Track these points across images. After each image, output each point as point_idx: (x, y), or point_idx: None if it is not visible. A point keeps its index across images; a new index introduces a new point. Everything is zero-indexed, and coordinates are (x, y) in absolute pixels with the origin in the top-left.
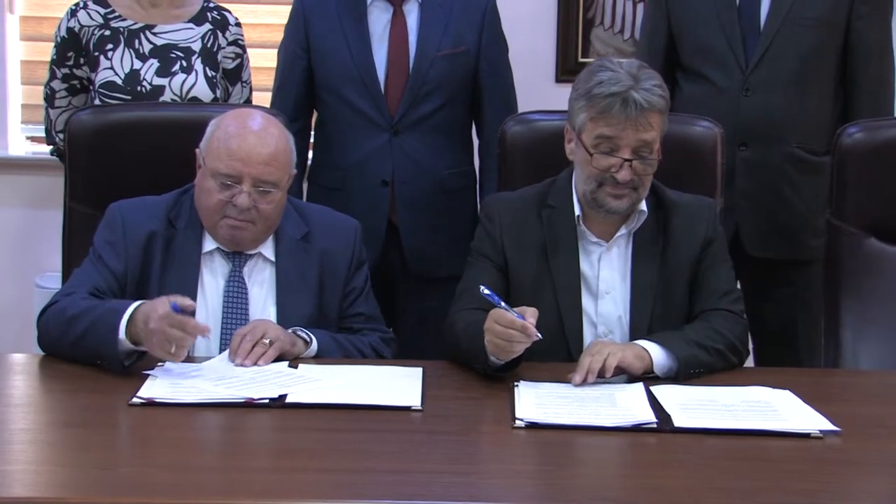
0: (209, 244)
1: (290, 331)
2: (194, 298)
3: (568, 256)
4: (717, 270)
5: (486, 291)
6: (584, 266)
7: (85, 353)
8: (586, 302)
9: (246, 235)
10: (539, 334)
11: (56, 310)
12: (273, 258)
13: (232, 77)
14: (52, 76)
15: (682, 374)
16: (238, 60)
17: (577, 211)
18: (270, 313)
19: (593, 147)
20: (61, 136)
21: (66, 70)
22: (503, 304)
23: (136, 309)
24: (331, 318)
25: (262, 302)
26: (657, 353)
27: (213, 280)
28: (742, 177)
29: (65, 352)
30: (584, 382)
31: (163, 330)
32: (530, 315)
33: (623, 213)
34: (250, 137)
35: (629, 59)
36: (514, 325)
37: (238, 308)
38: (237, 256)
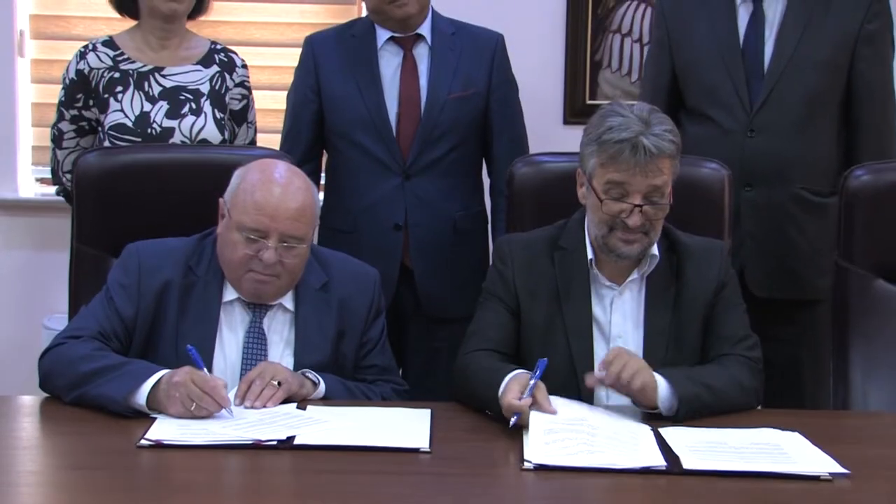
0: (230, 294)
1: (298, 373)
2: (212, 349)
3: (580, 300)
4: (731, 315)
5: (542, 364)
6: (597, 310)
7: (90, 406)
8: (598, 346)
9: (270, 290)
10: (513, 421)
11: (62, 356)
12: (292, 308)
13: (238, 118)
14: (61, 117)
15: (683, 414)
16: (244, 102)
17: (589, 255)
18: (287, 364)
19: (604, 193)
20: (68, 176)
21: (74, 112)
22: (534, 379)
23: (160, 378)
24: (346, 369)
25: (281, 353)
26: (663, 387)
27: (232, 331)
28: (747, 218)
29: (64, 399)
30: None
31: (186, 384)
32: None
33: (634, 258)
34: (278, 192)
35: (640, 104)
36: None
37: (257, 359)
38: (258, 307)
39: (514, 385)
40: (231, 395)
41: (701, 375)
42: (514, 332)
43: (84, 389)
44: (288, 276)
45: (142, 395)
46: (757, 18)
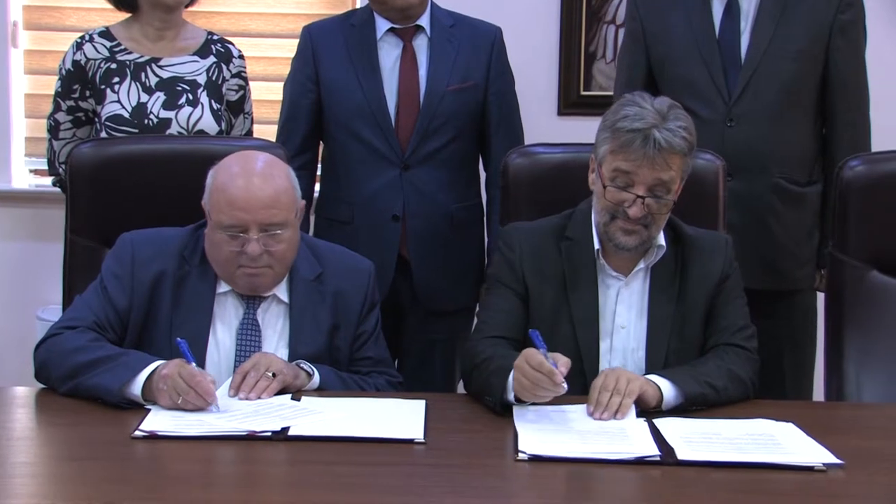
0: (223, 286)
1: (292, 364)
2: (206, 340)
3: (587, 290)
4: (732, 305)
5: (535, 333)
6: (602, 301)
7: (85, 396)
8: (602, 337)
9: (265, 281)
10: (566, 385)
11: (57, 346)
12: (287, 300)
13: (235, 109)
14: (57, 108)
15: (686, 410)
16: (241, 92)
17: (596, 245)
18: (282, 356)
19: (609, 180)
20: (65, 167)
21: (71, 102)
22: (544, 349)
23: (154, 369)
24: (341, 362)
25: (275, 344)
26: (668, 390)
27: (226, 322)
28: (728, 208)
29: (59, 390)
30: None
31: (173, 377)
32: (563, 365)
33: (632, 250)
34: (248, 183)
35: (662, 98)
36: (542, 368)
37: (251, 351)
38: (252, 299)
39: (533, 352)
40: (224, 387)
41: (704, 374)
42: (522, 319)
43: (79, 380)
44: (279, 264)
45: (137, 386)
46: (732, 9)
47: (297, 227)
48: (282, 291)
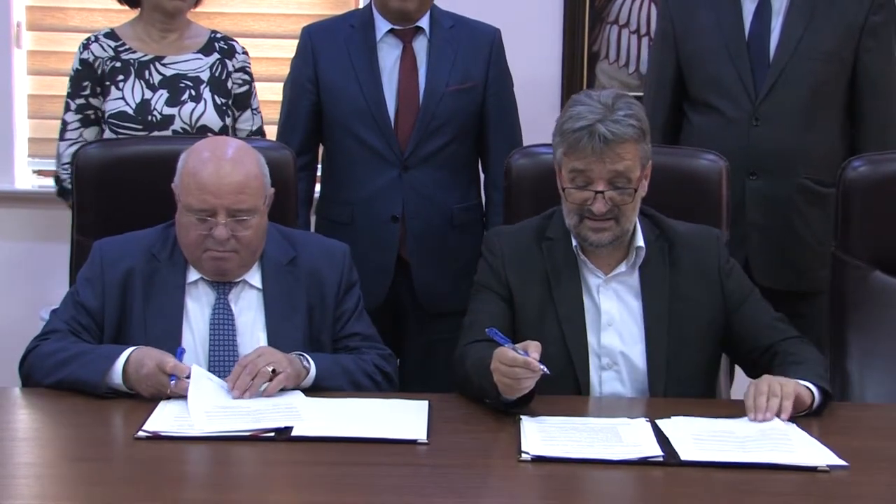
0: (193, 275)
1: (294, 356)
2: (179, 327)
3: (570, 287)
4: (756, 301)
5: (492, 331)
6: (587, 297)
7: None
8: (589, 334)
9: (230, 266)
10: (545, 368)
11: (37, 356)
12: (259, 285)
13: (241, 103)
14: (66, 109)
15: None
16: (246, 86)
17: (574, 242)
18: (260, 339)
19: (569, 181)
20: (66, 167)
21: (81, 100)
22: (508, 343)
23: (129, 356)
24: (323, 343)
25: (251, 328)
26: (815, 391)
27: (198, 309)
28: (752, 207)
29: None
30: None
31: (156, 375)
32: (533, 350)
33: (607, 246)
34: (218, 168)
35: (610, 90)
36: (516, 363)
37: (225, 335)
38: (222, 285)
39: (502, 350)
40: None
41: (815, 370)
42: (509, 322)
43: (61, 378)
44: (246, 250)
45: (117, 375)
46: (763, 8)
47: (265, 214)
48: (253, 277)
